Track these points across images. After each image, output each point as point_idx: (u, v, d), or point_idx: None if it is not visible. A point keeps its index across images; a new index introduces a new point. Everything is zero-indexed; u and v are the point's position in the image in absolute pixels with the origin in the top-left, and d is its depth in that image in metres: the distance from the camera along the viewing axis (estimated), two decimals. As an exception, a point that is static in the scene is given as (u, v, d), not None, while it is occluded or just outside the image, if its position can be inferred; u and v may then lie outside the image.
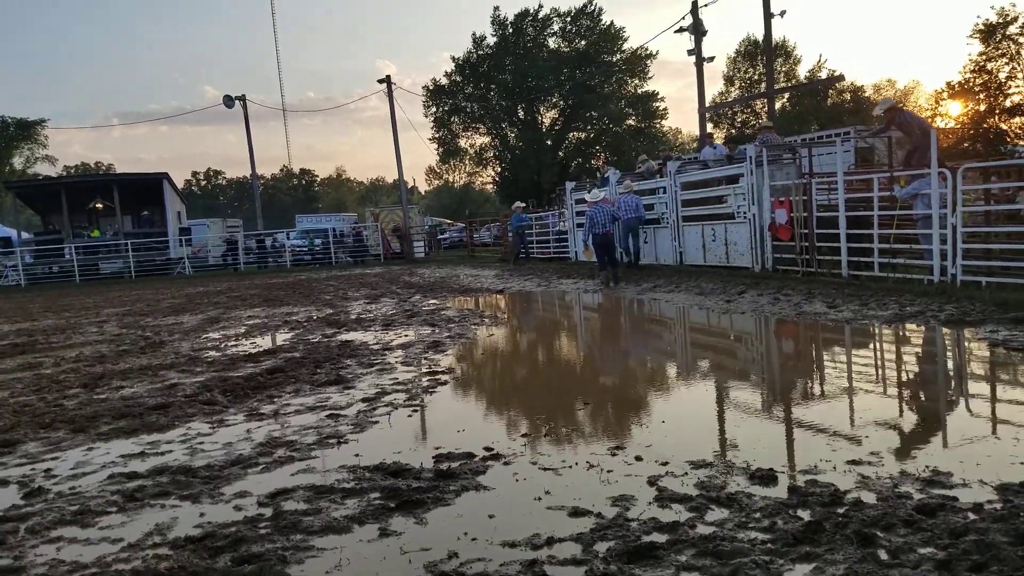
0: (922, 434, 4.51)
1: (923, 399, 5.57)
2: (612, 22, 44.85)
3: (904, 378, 6.22)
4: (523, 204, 28.09)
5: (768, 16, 22.17)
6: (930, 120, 42.65)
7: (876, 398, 5.54)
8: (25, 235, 35.92)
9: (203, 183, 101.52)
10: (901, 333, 7.73)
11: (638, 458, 4.16)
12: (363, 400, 6.05)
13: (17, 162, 59.36)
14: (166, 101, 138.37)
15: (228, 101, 38.13)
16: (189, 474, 4.34)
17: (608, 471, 3.99)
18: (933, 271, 9.65)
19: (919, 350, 7.37)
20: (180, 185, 56.81)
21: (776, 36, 31.35)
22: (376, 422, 5.39)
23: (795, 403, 5.59)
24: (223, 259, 34.58)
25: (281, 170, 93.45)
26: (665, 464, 4.02)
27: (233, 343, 10.03)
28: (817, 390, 6.02)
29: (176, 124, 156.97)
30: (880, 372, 6.51)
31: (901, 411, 5.15)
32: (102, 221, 36.14)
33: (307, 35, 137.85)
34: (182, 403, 6.22)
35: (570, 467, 4.11)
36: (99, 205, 35.90)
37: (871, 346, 7.63)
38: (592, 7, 44.59)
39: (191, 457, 4.74)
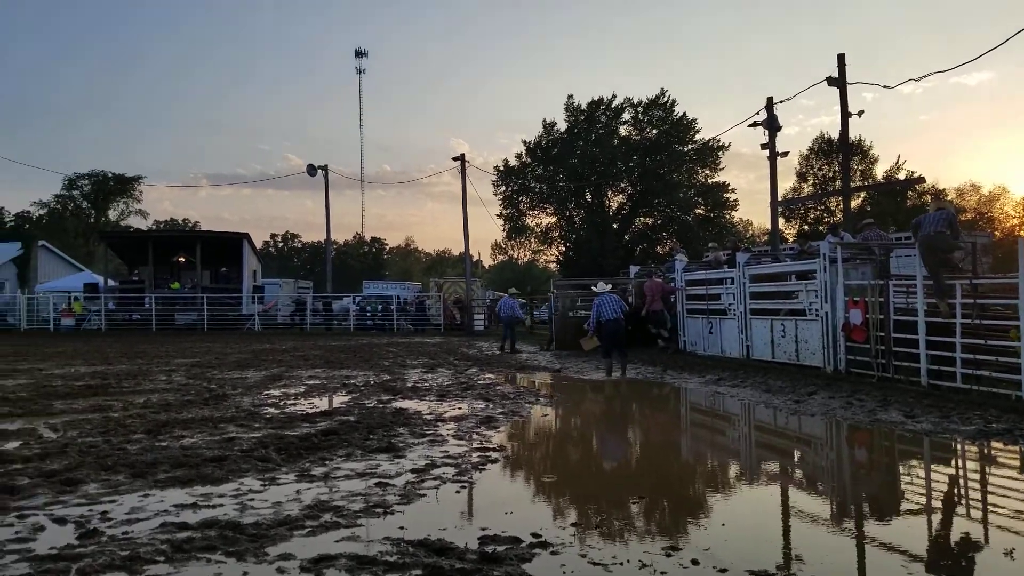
0: (1009, 568, 4.16)
1: (1011, 527, 5.16)
2: (684, 113, 45.40)
3: (989, 501, 5.80)
4: (515, 291, 26.47)
5: (845, 115, 22.08)
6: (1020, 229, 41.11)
7: (957, 520, 5.17)
8: (111, 283, 37.74)
9: (280, 245, 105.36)
10: (986, 451, 7.26)
11: (694, 562, 3.96)
12: (412, 471, 6.00)
13: (112, 214, 63.14)
14: (251, 166, 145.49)
15: (311, 170, 39.82)
16: (237, 530, 4.34)
17: (662, 572, 3.80)
18: (1022, 386, 9.12)
19: (1006, 472, 6.89)
20: (259, 245, 59.15)
21: (852, 135, 31.23)
22: (424, 495, 5.31)
23: (867, 518, 5.27)
24: (291, 319, 35.46)
25: (354, 237, 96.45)
26: (723, 571, 3.81)
27: (292, 401, 10.17)
28: (892, 506, 5.66)
29: (259, 188, 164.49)
30: (963, 492, 6.10)
31: (986, 538, 4.77)
32: (183, 274, 37.75)
33: (385, 110, 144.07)
34: (238, 457, 6.29)
35: (621, 564, 3.94)
36: (182, 259, 37.59)
37: (953, 463, 7.18)
38: (665, 99, 45.37)
39: (241, 513, 4.74)
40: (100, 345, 23.20)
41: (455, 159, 37.93)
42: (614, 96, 45.62)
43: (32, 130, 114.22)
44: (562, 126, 46.04)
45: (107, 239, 40.77)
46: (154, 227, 66.67)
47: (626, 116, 46.14)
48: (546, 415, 9.59)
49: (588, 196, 46.60)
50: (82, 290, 36.00)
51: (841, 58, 21.45)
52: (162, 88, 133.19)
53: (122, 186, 62.29)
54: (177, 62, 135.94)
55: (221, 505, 4.93)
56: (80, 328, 32.71)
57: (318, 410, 9.34)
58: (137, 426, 7.85)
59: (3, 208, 68.76)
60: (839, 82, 21.39)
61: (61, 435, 7.38)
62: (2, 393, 10.71)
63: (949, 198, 46.84)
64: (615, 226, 46.53)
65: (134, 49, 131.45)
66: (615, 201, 47.82)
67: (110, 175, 61.73)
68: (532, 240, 49.05)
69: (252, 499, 5.09)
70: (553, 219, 48.07)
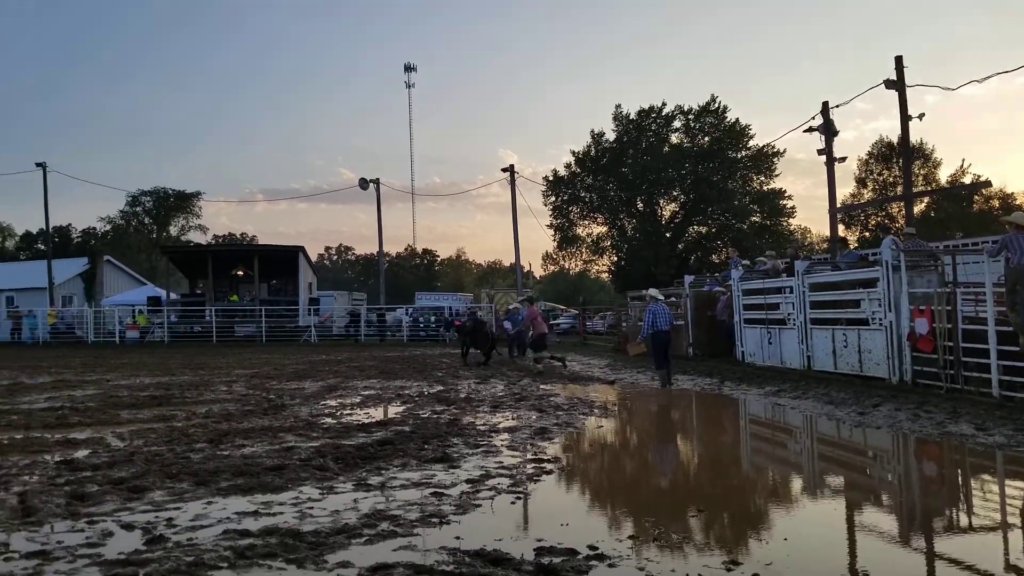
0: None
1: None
2: (737, 119, 44.67)
3: (1067, 516, 5.52)
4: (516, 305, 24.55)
5: (905, 118, 21.47)
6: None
7: (1034, 536, 4.93)
8: (173, 296, 38.90)
9: (334, 258, 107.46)
10: (1062, 465, 6.92)
11: (756, 576, 3.86)
12: (467, 481, 6.00)
13: (173, 229, 65.13)
14: (305, 180, 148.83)
15: (363, 183, 40.45)
16: (297, 538, 4.41)
17: (723, 586, 3.72)
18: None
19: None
20: (313, 258, 60.27)
21: (913, 138, 30.09)
22: (479, 505, 5.31)
23: (936, 534, 5.06)
24: (346, 330, 36.04)
25: (405, 249, 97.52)
26: (787, 585, 3.70)
27: (348, 412, 10.30)
28: (963, 521, 5.44)
29: (313, 202, 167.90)
30: (1037, 507, 5.81)
31: (1065, 554, 4.54)
32: (241, 287, 38.73)
33: (435, 123, 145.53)
34: (296, 466, 6.39)
35: (681, 577, 3.86)
36: (240, 272, 38.56)
37: (1025, 476, 6.86)
38: (716, 105, 44.78)
39: (300, 521, 4.81)
40: (163, 357, 23.92)
41: (504, 170, 38.18)
42: (664, 104, 45.19)
43: (96, 148, 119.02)
44: (611, 136, 45.86)
45: (168, 253, 42.11)
46: (213, 241, 68.47)
47: (677, 124, 45.64)
48: (600, 426, 9.50)
49: (640, 205, 46.20)
50: (146, 303, 37.23)
51: (899, 60, 20.91)
52: (219, 105, 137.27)
53: (182, 202, 64.06)
54: (230, 80, 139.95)
55: (281, 513, 5.01)
56: (144, 340, 33.80)
57: (374, 420, 9.45)
58: (200, 435, 8.06)
59: (70, 225, 71.80)
60: (897, 85, 20.85)
61: (128, 444, 7.61)
62: (72, 403, 11.13)
63: (1017, 202, 45.05)
64: (668, 235, 45.97)
65: (190, 66, 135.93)
66: (667, 209, 47.28)
67: (171, 191, 63.64)
68: (583, 250, 48.81)
69: (311, 507, 5.16)
70: (604, 229, 47.75)
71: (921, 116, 21.47)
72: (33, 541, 4.38)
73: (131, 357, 23.91)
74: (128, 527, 4.67)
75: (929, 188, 44.92)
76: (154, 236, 63.40)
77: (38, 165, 39.40)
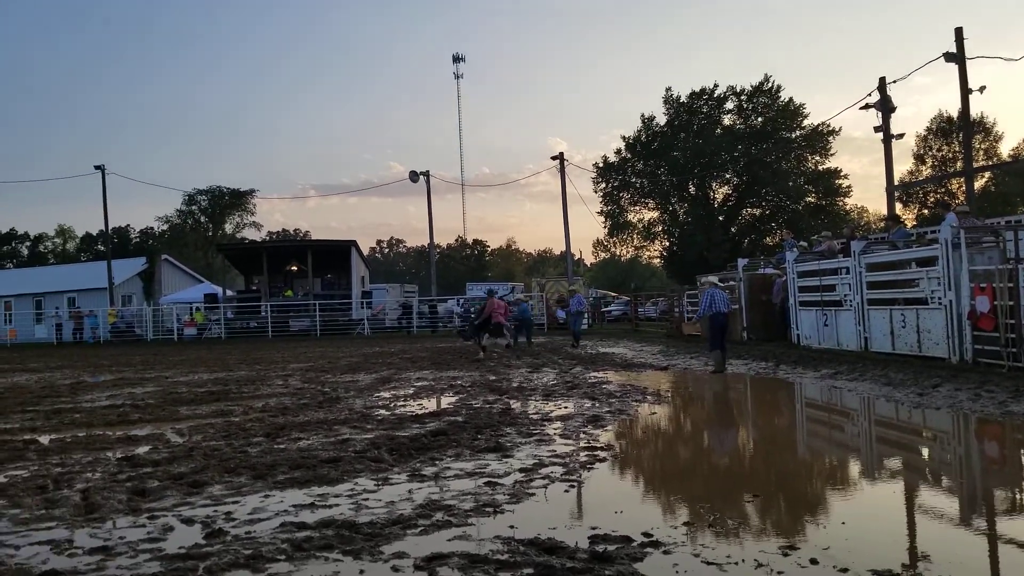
0: None
1: None
2: (791, 99, 43.61)
3: None
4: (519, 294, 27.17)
5: (965, 92, 20.66)
6: None
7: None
8: (229, 292, 39.90)
9: (385, 251, 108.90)
10: None
11: (813, 561, 3.79)
12: (520, 470, 6.01)
13: (228, 227, 66.65)
14: (356, 175, 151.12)
15: (413, 176, 40.90)
16: (353, 529, 4.47)
17: (779, 572, 3.66)
18: None
19: None
20: (365, 252, 61.01)
21: (974, 112, 28.88)
22: (532, 494, 5.32)
23: (1000, 515, 4.89)
24: (398, 322, 36.46)
25: (456, 240, 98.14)
26: (844, 571, 3.62)
27: (402, 403, 10.44)
28: (1031, 504, 5.24)
29: (364, 196, 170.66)
30: (1113, 490, 5.57)
31: None
32: (296, 282, 39.51)
33: (483, 114, 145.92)
34: (351, 458, 6.49)
35: (736, 564, 3.81)
36: (294, 267, 39.34)
37: (1100, 458, 6.58)
38: (770, 84, 43.75)
39: (356, 513, 4.89)
40: (221, 353, 24.57)
41: (553, 158, 38.13)
42: (716, 85, 44.38)
43: (153, 149, 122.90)
44: (661, 119, 45.21)
45: (224, 251, 43.20)
46: (267, 238, 69.70)
47: (729, 105, 44.76)
48: (654, 413, 9.43)
49: (691, 189, 45.52)
50: (203, 301, 38.25)
51: (959, 32, 20.16)
52: (272, 103, 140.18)
53: (237, 200, 65.37)
54: (282, 77, 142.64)
55: (337, 505, 5.09)
56: (202, 337, 34.78)
57: (427, 411, 9.55)
58: (257, 429, 8.24)
59: (129, 225, 74.16)
60: (957, 57, 20.14)
61: (187, 439, 7.80)
62: (132, 400, 11.51)
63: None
64: (721, 218, 45.21)
65: (243, 65, 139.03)
66: (720, 193, 46.52)
67: (225, 190, 65.07)
68: (634, 236, 48.31)
69: (366, 499, 5.24)
70: (655, 214, 47.22)
71: (982, 89, 20.69)
72: (96, 537, 4.49)
73: (189, 354, 24.62)
74: (188, 521, 4.78)
75: (990, 163, 43.27)
76: (210, 234, 64.91)
77: (97, 168, 40.84)
